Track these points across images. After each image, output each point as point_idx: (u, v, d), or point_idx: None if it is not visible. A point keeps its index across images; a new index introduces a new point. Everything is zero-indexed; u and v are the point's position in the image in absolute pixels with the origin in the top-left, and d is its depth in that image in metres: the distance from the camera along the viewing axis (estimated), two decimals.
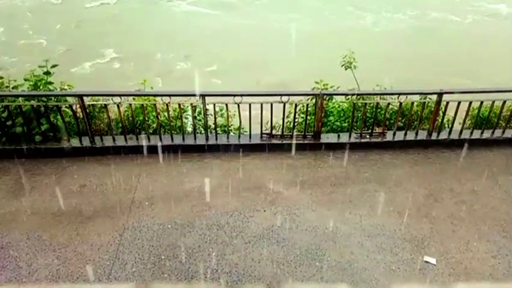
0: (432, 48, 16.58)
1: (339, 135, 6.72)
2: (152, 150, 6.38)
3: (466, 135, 6.70)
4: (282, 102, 6.10)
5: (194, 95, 6.32)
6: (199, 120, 7.01)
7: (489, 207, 5.42)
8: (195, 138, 6.53)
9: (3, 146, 6.21)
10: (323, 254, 4.70)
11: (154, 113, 6.60)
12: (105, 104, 6.30)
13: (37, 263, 4.53)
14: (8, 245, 4.74)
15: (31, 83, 6.17)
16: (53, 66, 6.23)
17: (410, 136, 6.69)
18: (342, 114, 7.27)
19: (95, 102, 6.49)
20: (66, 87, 6.44)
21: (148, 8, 20.83)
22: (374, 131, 6.69)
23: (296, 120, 6.81)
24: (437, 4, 21.13)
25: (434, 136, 6.69)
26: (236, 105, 6.12)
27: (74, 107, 6.15)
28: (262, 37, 17.68)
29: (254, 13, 20.44)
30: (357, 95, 7.04)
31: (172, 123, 6.63)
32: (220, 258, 4.62)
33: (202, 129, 6.88)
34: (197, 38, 17.54)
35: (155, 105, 6.34)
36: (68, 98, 6.31)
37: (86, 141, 6.35)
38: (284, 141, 6.57)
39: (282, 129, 6.58)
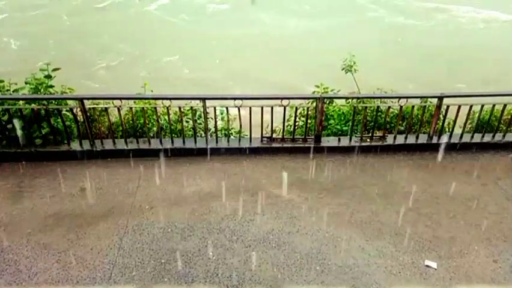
0: None
1: (339, 139, 6.71)
2: (153, 153, 6.39)
3: (466, 138, 6.70)
4: (283, 105, 6.11)
5: (194, 98, 6.33)
6: (200, 123, 7.02)
7: (490, 211, 5.41)
8: (195, 142, 6.53)
9: (3, 149, 6.22)
10: (324, 257, 4.68)
11: (154, 117, 6.61)
12: (106, 108, 6.32)
13: (37, 266, 4.51)
14: (7, 249, 4.73)
15: (32, 86, 6.18)
16: (55, 69, 6.24)
17: (411, 140, 6.69)
18: (342, 118, 7.27)
19: (95, 106, 6.50)
20: (67, 90, 6.45)
21: None
22: (375, 135, 6.68)
23: (297, 123, 6.81)
24: None
25: (434, 140, 6.68)
26: (236, 108, 6.12)
27: (74, 111, 6.15)
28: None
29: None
30: (358, 98, 7.06)
31: (172, 127, 6.63)
32: (221, 262, 4.60)
33: (203, 132, 6.88)
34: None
35: (155, 108, 6.34)
36: (68, 101, 6.32)
37: (86, 145, 6.35)
38: (285, 145, 6.57)
39: (283, 132, 6.59)
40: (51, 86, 6.23)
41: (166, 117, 6.54)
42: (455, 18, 20.83)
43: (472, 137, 6.73)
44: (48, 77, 6.21)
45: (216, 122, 6.56)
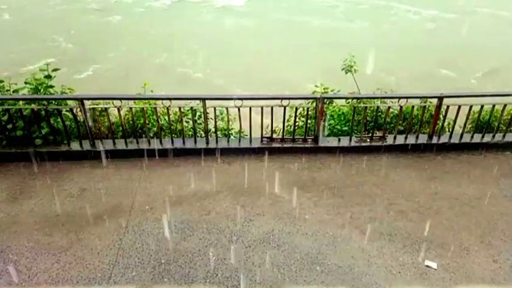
0: None
1: (339, 139, 6.71)
2: (153, 153, 6.39)
3: (466, 139, 6.70)
4: (283, 106, 6.11)
5: (194, 99, 6.34)
6: (200, 123, 7.02)
7: (490, 211, 5.41)
8: (195, 142, 6.53)
9: (3, 150, 6.22)
10: (324, 258, 4.68)
11: (154, 117, 6.61)
12: (106, 108, 6.32)
13: (37, 267, 4.51)
14: (7, 249, 4.73)
15: (32, 86, 6.18)
16: (54, 70, 6.25)
17: (411, 140, 6.69)
18: (342, 118, 7.28)
19: (95, 106, 6.50)
20: (67, 90, 6.45)
21: None
22: (375, 135, 6.69)
23: (296, 123, 6.81)
24: None
25: (434, 140, 6.68)
26: (236, 108, 6.13)
27: (74, 111, 6.15)
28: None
29: None
30: (358, 98, 7.06)
31: (172, 127, 6.63)
32: (221, 262, 4.60)
33: (203, 132, 6.89)
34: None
35: (155, 108, 6.35)
36: (68, 102, 6.32)
37: (86, 145, 6.35)
38: (284, 145, 6.57)
39: (283, 132, 6.59)
40: (51, 86, 6.23)
41: (166, 118, 6.54)
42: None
43: (472, 137, 6.73)
44: (48, 77, 6.21)
45: (215, 122, 6.56)
